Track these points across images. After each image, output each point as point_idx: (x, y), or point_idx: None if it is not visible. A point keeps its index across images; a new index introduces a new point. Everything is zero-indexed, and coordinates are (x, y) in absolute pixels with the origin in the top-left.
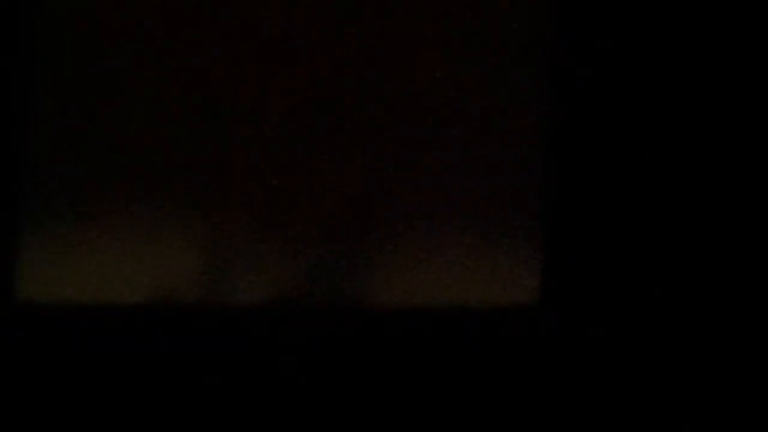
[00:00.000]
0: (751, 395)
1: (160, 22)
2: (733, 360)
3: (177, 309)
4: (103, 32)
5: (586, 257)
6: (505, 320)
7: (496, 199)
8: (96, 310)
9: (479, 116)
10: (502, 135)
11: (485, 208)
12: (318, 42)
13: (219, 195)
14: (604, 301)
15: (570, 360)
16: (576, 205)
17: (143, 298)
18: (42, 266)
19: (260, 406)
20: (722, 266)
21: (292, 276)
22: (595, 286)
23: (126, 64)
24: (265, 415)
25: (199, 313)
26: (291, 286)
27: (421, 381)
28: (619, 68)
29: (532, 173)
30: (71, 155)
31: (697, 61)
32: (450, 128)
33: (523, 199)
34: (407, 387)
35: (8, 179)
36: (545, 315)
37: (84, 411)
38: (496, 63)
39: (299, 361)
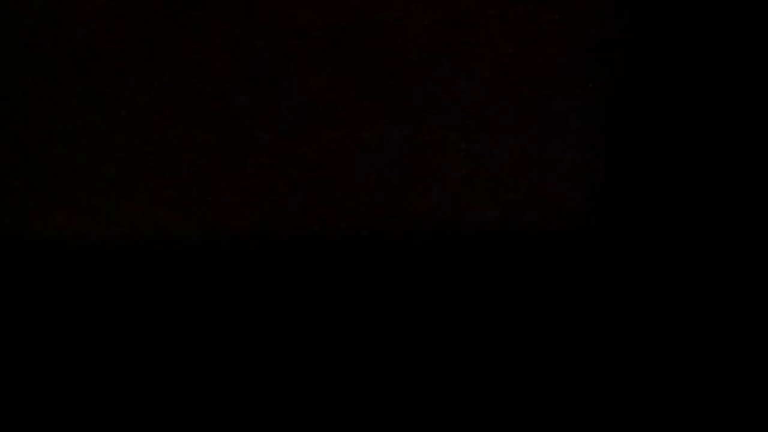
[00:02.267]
0: None
1: None
2: None
3: (171, 241)
4: None
5: (646, 177)
6: (559, 244)
7: (550, 115)
8: (89, 244)
9: (535, 34)
10: (557, 48)
11: (539, 124)
12: None
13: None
14: (663, 225)
15: (626, 287)
16: (637, 125)
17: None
18: (28, 199)
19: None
20: None
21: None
22: (655, 209)
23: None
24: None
25: (197, 245)
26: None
27: (468, 304)
28: None
29: (590, 89)
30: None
31: None
32: (507, 40)
33: (580, 116)
34: (455, 308)
35: None
36: (601, 239)
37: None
38: None
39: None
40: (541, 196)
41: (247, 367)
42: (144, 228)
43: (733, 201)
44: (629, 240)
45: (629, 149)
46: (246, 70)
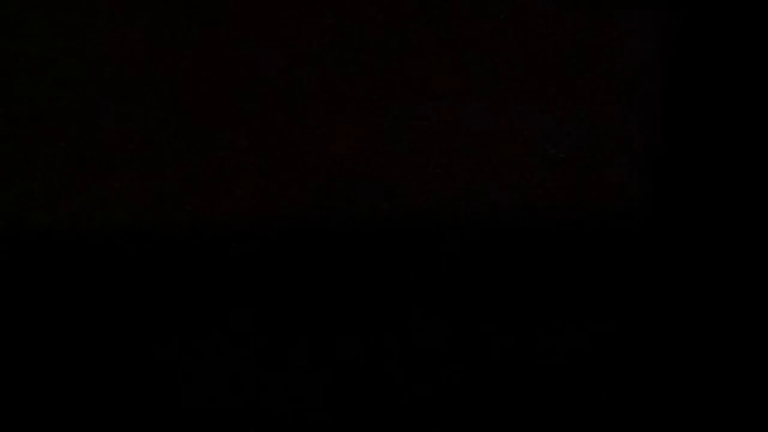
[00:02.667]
0: None
1: None
2: None
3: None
4: None
5: (699, 156)
6: (607, 225)
7: (599, 91)
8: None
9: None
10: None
11: (587, 100)
12: None
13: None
14: (717, 206)
15: (677, 269)
16: (692, 101)
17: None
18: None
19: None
20: None
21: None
22: (708, 189)
23: None
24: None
25: (195, 241)
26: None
27: (515, 287)
28: None
29: (642, 64)
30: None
31: None
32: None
33: (630, 93)
34: (501, 294)
35: None
36: (651, 221)
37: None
38: None
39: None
40: (594, 185)
41: (246, 363)
42: (141, 224)
43: None
44: (681, 232)
45: (682, 143)
46: (245, 70)
